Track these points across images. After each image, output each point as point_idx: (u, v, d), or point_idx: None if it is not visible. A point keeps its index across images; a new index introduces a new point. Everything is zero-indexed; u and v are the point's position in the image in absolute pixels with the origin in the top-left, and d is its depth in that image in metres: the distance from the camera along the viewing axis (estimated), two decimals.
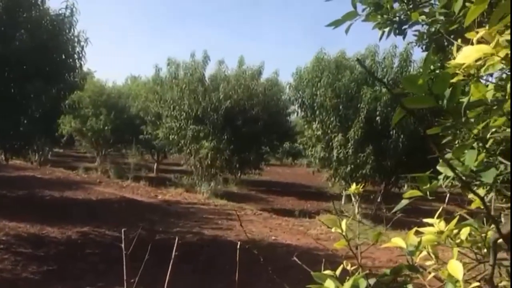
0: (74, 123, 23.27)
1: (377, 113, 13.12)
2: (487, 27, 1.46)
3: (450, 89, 1.28)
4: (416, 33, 3.30)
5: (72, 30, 10.84)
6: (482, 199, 0.98)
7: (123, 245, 2.71)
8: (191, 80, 18.01)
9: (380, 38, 3.20)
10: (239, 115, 18.00)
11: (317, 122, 14.50)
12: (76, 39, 10.99)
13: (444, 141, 2.87)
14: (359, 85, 13.54)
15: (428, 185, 1.19)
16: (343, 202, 16.93)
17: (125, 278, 2.63)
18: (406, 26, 2.92)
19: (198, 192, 18.27)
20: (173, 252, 2.67)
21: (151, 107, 20.30)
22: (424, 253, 1.56)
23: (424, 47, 3.56)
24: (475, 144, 1.23)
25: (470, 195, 1.65)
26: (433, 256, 1.55)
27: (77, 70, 11.47)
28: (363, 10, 2.67)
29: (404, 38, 3.00)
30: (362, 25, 2.96)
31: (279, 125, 20.15)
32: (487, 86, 1.62)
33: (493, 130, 1.66)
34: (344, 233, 1.44)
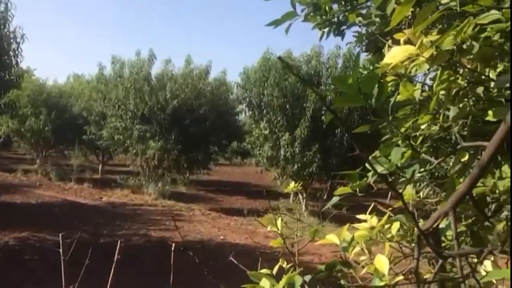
0: (11, 123, 22.05)
1: (323, 112, 13.41)
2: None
3: (378, 88, 1.31)
4: (356, 34, 3.38)
5: (8, 26, 10.28)
6: (400, 194, 1.01)
7: (61, 250, 2.60)
8: (137, 79, 17.61)
9: (320, 39, 3.26)
10: (186, 115, 17.80)
11: (264, 121, 14.63)
12: (12, 36, 10.43)
13: (383, 138, 2.95)
14: (305, 85, 13.78)
15: (357, 182, 1.22)
16: (291, 200, 17.15)
17: (63, 284, 2.51)
18: (344, 27, 2.99)
19: (145, 193, 17.89)
20: (116, 255, 2.59)
21: (94, 106, 19.66)
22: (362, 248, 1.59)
23: (364, 48, 3.66)
24: (400, 142, 1.27)
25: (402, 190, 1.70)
26: (366, 251, 1.59)
27: (13, 68, 10.88)
28: (302, 10, 2.70)
29: (342, 39, 3.07)
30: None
31: (227, 125, 20.12)
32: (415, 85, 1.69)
33: (423, 127, 1.72)
34: (279, 232, 1.44)
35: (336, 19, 2.95)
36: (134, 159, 18.87)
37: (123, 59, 18.50)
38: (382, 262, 1.08)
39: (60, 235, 2.56)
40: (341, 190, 1.34)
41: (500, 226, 0.97)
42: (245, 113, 16.98)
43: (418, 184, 2.99)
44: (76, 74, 27.56)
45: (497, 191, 1.14)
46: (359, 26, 2.95)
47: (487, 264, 1.13)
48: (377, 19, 2.75)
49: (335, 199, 1.34)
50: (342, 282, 1.34)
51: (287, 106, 13.95)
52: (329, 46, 15.74)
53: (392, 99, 1.78)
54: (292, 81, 13.91)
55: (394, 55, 1.38)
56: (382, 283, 1.04)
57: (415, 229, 1.45)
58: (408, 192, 1.62)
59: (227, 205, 18.07)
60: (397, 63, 1.49)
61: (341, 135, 13.58)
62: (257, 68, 14.77)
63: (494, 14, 1.41)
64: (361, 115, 12.87)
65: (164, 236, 11.07)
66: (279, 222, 1.44)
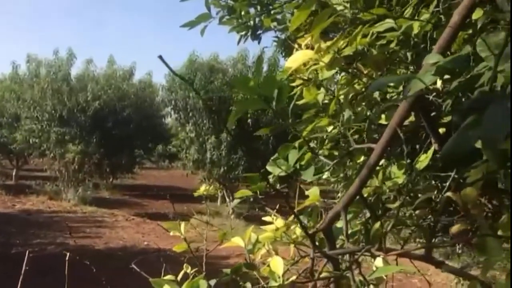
0: None
1: (249, 115, 13.54)
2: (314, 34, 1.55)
3: (277, 91, 1.33)
4: (276, 39, 3.43)
5: None
6: (285, 197, 1.03)
7: None
8: (55, 79, 16.71)
9: (238, 42, 3.26)
10: (109, 117, 17.17)
11: (190, 124, 14.50)
12: None
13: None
14: (232, 88, 13.84)
15: (257, 185, 1.22)
16: (218, 203, 17.12)
17: None
18: (260, 32, 3.02)
19: (64, 199, 16.98)
20: (23, 266, 2.42)
21: (7, 108, 18.38)
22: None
23: (283, 53, 3.72)
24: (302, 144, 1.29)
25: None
26: (273, 253, 1.60)
27: None
28: (217, 13, 2.69)
29: (259, 43, 3.10)
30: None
31: (153, 127, 19.66)
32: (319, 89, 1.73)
33: (330, 130, 1.77)
34: (183, 236, 1.41)
35: (252, 23, 2.97)
36: (51, 164, 17.86)
37: (40, 58, 17.55)
38: (277, 264, 1.09)
39: None
40: (241, 192, 1.34)
41: (376, 225, 1.02)
42: (171, 116, 16.75)
43: (336, 185, 3.09)
44: None
45: (387, 191, 1.20)
46: (275, 31, 3.00)
47: (378, 261, 1.18)
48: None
49: (236, 201, 1.34)
50: (242, 283, 1.34)
51: (213, 109, 13.92)
52: (256, 50, 15.93)
53: (299, 102, 1.82)
54: (218, 84, 13.91)
55: (294, 59, 1.41)
56: (276, 284, 1.05)
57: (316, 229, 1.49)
58: (314, 193, 1.66)
59: (152, 209, 17.63)
60: (300, 67, 1.52)
61: (267, 137, 13.79)
62: (183, 70, 14.60)
63: (389, 22, 1.49)
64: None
65: (84, 244, 10.58)
66: (182, 226, 1.41)
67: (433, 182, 1.32)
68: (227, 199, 15.13)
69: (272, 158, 1.26)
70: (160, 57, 0.72)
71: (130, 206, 18.01)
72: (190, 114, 14.32)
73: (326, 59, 1.42)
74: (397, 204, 1.18)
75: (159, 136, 20.76)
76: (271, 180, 1.25)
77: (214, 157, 14.00)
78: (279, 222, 1.56)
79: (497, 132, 0.53)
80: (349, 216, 1.42)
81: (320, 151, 1.79)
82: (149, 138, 19.77)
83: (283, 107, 1.31)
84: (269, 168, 1.26)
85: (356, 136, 1.73)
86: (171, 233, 1.39)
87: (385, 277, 1.22)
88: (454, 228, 0.81)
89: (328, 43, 1.45)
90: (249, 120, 13.55)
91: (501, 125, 0.53)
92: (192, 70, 14.31)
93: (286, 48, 3.40)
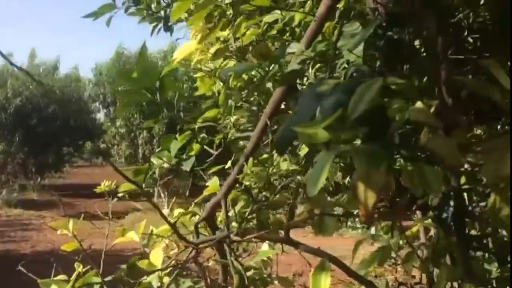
0: None
1: (181, 108, 13.38)
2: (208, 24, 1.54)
3: (160, 82, 1.31)
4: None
5: None
6: (146, 193, 1.03)
7: None
8: None
9: (151, 33, 3.20)
10: (33, 114, 16.29)
11: (120, 119, 14.10)
12: None
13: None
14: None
15: (139, 176, 1.21)
16: (155, 198, 16.83)
17: None
18: (172, 23, 2.97)
19: None
20: None
21: None
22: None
23: None
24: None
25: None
26: (174, 245, 1.60)
27: None
28: (123, 3, 2.61)
29: (171, 34, 3.05)
30: None
31: (82, 124, 18.88)
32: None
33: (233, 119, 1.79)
34: (71, 234, 1.37)
35: (163, 13, 2.91)
36: None
37: None
38: (156, 256, 1.09)
39: None
40: (124, 186, 1.32)
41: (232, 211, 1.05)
42: (99, 111, 16.21)
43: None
44: None
45: (272, 178, 1.23)
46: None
47: (264, 246, 1.21)
48: None
49: (115, 200, 1.33)
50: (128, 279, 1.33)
51: (144, 103, 13.62)
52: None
53: (198, 93, 1.82)
54: None
55: (181, 50, 1.41)
56: (155, 274, 1.05)
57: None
58: (214, 183, 1.67)
59: (84, 209, 16.97)
60: (189, 58, 1.51)
61: (199, 129, 13.70)
62: (110, 64, 14.14)
63: (276, 14, 1.52)
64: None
65: (8, 248, 10.03)
66: (71, 224, 1.37)
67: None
68: (162, 194, 14.92)
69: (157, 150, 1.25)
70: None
71: (60, 206, 17.22)
72: None
73: (213, 49, 1.42)
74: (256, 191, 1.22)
75: (89, 132, 19.98)
76: (157, 172, 1.24)
77: (146, 152, 13.73)
78: (176, 213, 1.56)
79: (303, 115, 0.56)
80: (242, 204, 1.45)
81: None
82: (78, 135, 18.99)
83: (168, 99, 1.30)
84: (153, 160, 1.25)
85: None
86: (59, 232, 1.35)
87: (270, 261, 1.26)
88: (299, 210, 0.86)
89: (218, 33, 1.45)
90: (181, 113, 13.38)
91: (306, 110, 0.56)
92: (120, 63, 13.89)
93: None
